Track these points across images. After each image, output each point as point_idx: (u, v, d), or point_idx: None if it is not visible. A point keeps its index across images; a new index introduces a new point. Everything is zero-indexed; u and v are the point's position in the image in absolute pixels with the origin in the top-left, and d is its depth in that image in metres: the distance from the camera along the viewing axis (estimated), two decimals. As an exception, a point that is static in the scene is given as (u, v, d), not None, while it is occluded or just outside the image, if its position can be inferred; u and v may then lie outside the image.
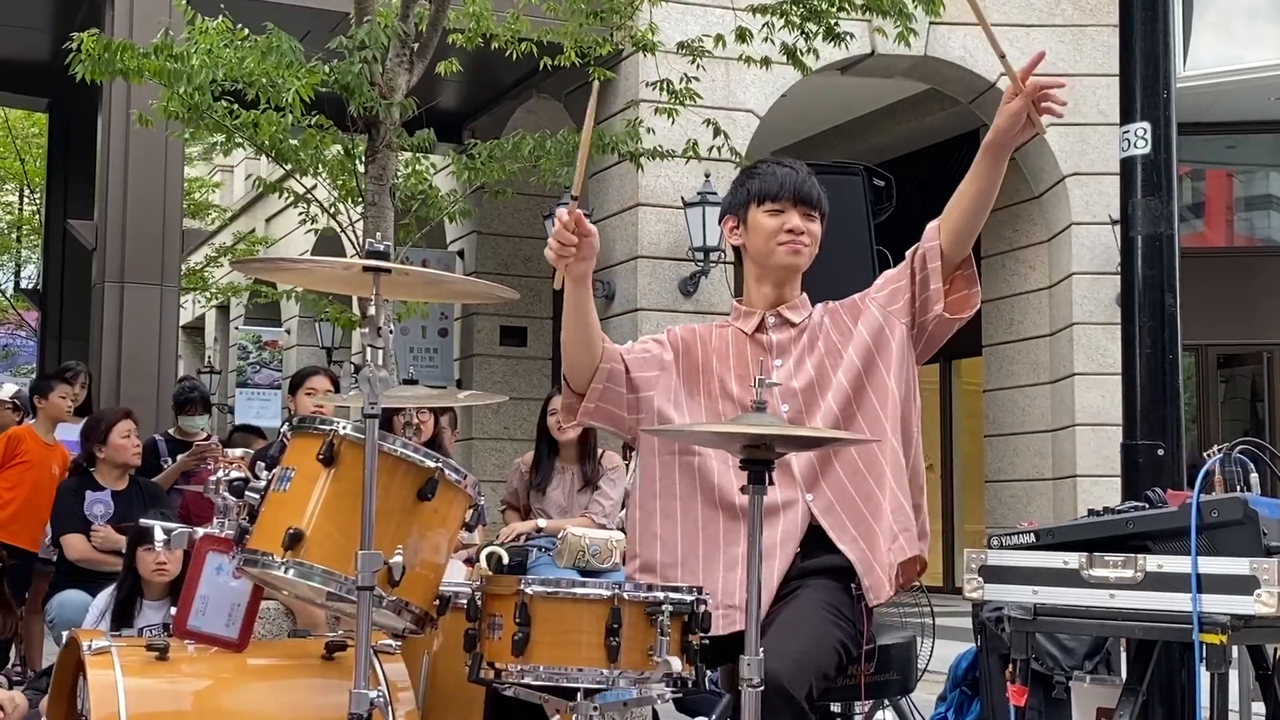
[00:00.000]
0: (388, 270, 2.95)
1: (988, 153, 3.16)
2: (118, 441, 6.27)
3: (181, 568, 4.93)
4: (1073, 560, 2.82)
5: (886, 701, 5.03)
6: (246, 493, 3.19)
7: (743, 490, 2.77)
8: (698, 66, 9.94)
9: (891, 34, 9.61)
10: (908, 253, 3.29)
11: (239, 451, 4.65)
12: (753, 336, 3.33)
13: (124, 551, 5.14)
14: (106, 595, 4.98)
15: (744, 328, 3.36)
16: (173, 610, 4.89)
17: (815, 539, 3.16)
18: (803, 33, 9.52)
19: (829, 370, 3.25)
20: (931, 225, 3.25)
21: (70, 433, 7.25)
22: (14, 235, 24.86)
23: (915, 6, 9.43)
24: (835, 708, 3.93)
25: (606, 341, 3.32)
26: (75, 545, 6.15)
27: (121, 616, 4.82)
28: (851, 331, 3.28)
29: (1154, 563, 2.72)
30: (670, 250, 12.24)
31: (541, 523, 6.28)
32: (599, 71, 9.84)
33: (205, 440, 7.29)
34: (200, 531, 3.46)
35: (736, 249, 3.44)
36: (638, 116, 10.35)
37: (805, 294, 3.40)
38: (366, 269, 2.94)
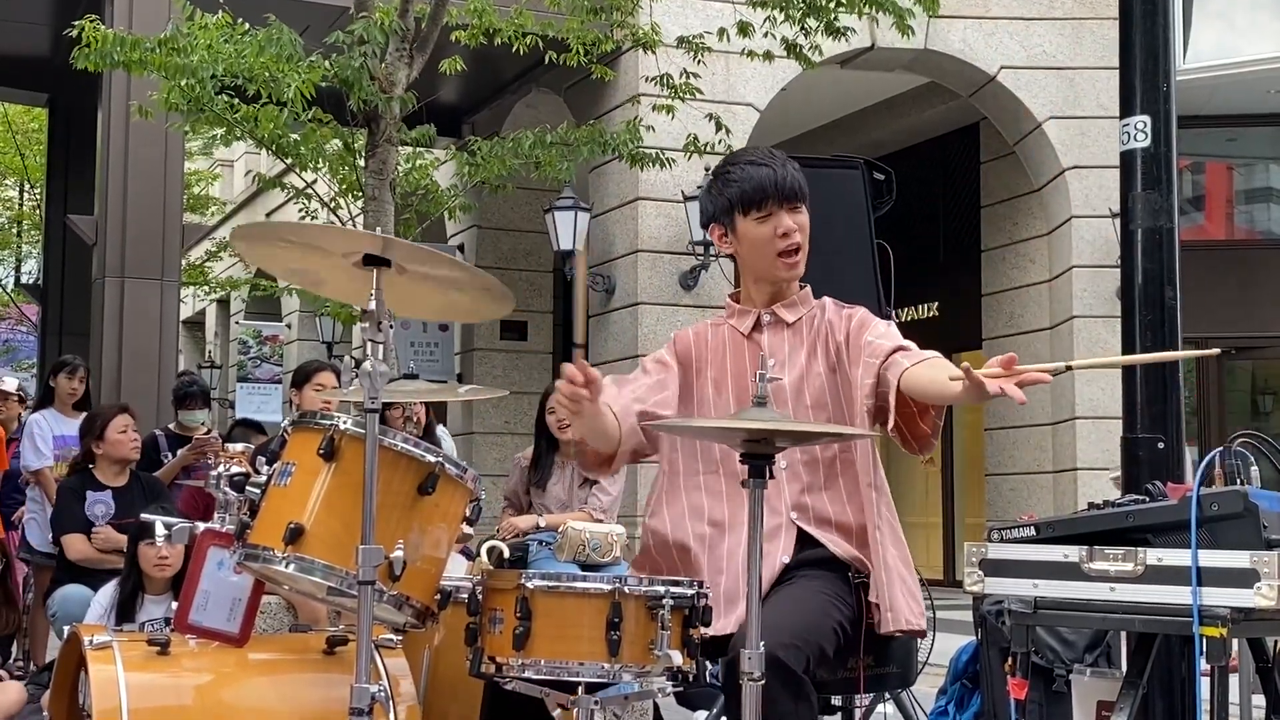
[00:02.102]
0: (388, 263, 2.95)
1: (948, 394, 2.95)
2: (114, 437, 6.26)
3: (183, 563, 4.94)
4: (1073, 553, 2.82)
5: (887, 695, 5.03)
6: (247, 488, 3.19)
7: (743, 484, 2.77)
8: (699, 62, 9.94)
9: (885, 26, 9.60)
10: (883, 351, 3.11)
11: (239, 446, 4.66)
12: (749, 337, 3.30)
13: (125, 548, 5.15)
14: (109, 590, 4.99)
15: (740, 327, 3.32)
16: (174, 605, 4.91)
17: (807, 543, 3.18)
18: (803, 28, 9.51)
19: (824, 392, 3.24)
20: (904, 360, 3.05)
21: (70, 428, 7.26)
22: (14, 230, 24.87)
23: (914, 3, 9.43)
24: (836, 701, 3.94)
25: (618, 407, 3.19)
26: (75, 546, 6.14)
27: (124, 612, 4.83)
28: (850, 381, 3.20)
29: (1154, 556, 2.72)
30: (670, 244, 12.24)
31: (542, 520, 6.29)
32: (600, 70, 9.84)
33: (205, 435, 7.29)
34: (201, 526, 3.46)
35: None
36: (638, 116, 10.36)
37: (807, 287, 3.35)
38: (368, 261, 2.94)
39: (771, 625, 2.79)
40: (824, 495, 3.20)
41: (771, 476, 2.76)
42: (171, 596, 4.99)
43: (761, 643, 2.70)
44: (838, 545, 3.15)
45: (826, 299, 3.35)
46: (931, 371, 2.96)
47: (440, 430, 8.41)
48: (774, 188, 3.19)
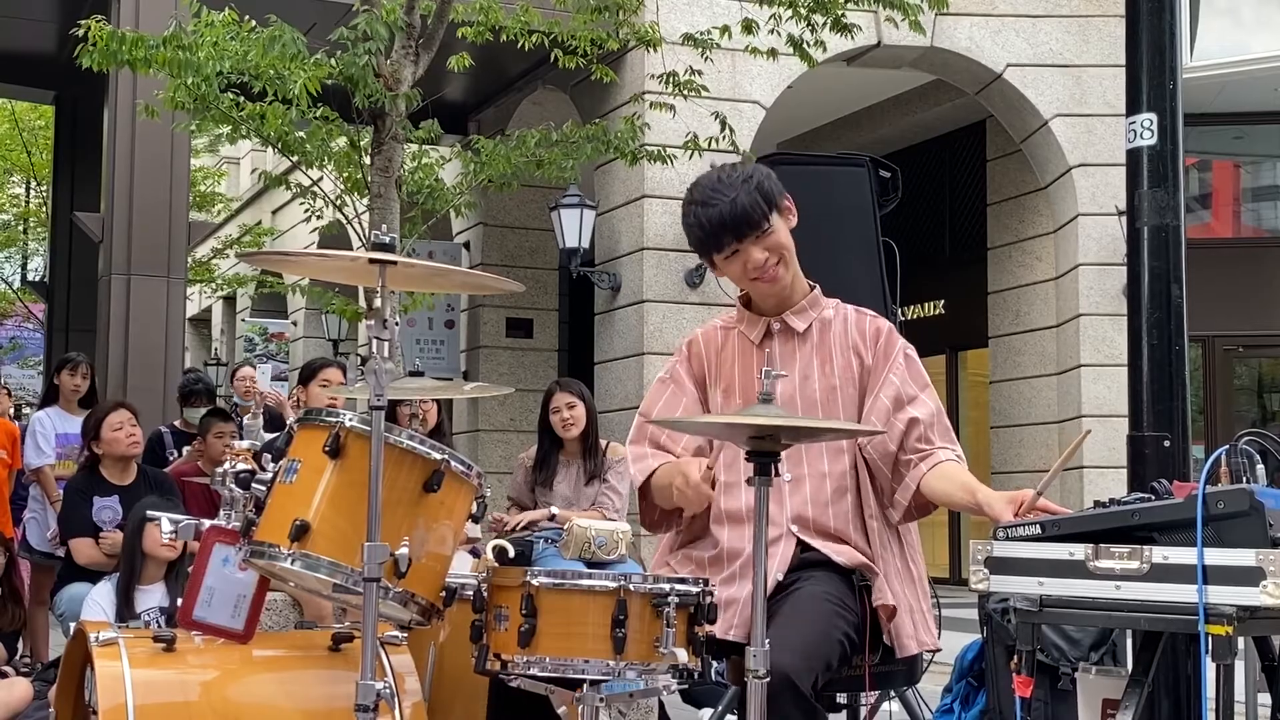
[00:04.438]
0: (393, 262, 2.95)
1: (967, 508, 3.15)
2: (109, 435, 6.26)
3: (183, 551, 4.97)
4: (1078, 551, 2.81)
5: (892, 693, 5.03)
6: (253, 484, 3.19)
7: (749, 482, 2.77)
8: (706, 58, 9.92)
9: (901, 24, 9.59)
10: (900, 422, 3.18)
11: (246, 443, 4.67)
12: (759, 346, 3.29)
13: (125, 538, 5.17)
14: (105, 588, 5.01)
15: (750, 335, 3.32)
16: (167, 594, 4.93)
17: (807, 553, 3.20)
18: (809, 24, 9.50)
19: (836, 404, 3.23)
20: (923, 465, 3.15)
21: (74, 425, 7.27)
22: (21, 228, 24.89)
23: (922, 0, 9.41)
24: (841, 698, 3.94)
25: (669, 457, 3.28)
26: (84, 550, 6.14)
27: (123, 602, 4.87)
28: (864, 404, 3.24)
29: (1160, 554, 2.72)
30: (676, 242, 12.23)
31: (555, 509, 6.29)
32: (601, 70, 9.82)
33: (198, 434, 7.32)
34: (207, 523, 3.47)
35: None
36: (637, 113, 10.34)
37: (816, 289, 3.34)
38: (372, 261, 2.94)
39: (779, 645, 2.79)
40: (828, 510, 3.20)
41: (777, 474, 2.77)
42: (164, 586, 5.02)
43: (768, 650, 2.71)
44: (840, 554, 3.15)
45: (847, 306, 3.34)
46: (946, 485, 3.12)
47: None
48: (727, 228, 3.14)
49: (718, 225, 3.14)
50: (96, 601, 4.97)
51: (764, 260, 3.16)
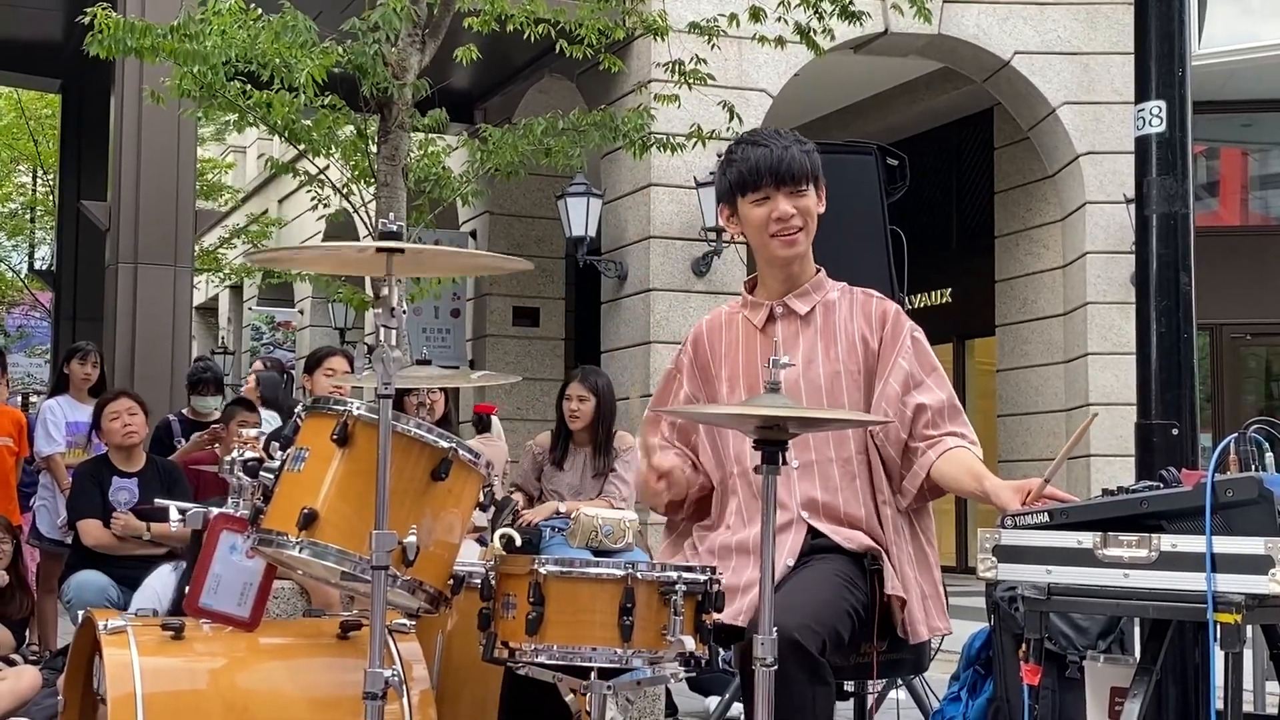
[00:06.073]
0: (401, 251, 2.94)
1: (974, 495, 3.17)
2: (106, 424, 6.32)
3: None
4: (1087, 540, 2.81)
5: (899, 681, 5.03)
6: (261, 473, 3.20)
7: (756, 470, 2.77)
8: (713, 46, 9.90)
9: (908, 11, 9.57)
10: (909, 407, 3.19)
11: (253, 432, 4.67)
12: (762, 330, 3.29)
13: (193, 533, 5.12)
14: (170, 573, 4.90)
15: (754, 319, 3.31)
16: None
17: (817, 539, 3.20)
18: (816, 12, 9.49)
19: (840, 389, 3.23)
20: (932, 452, 3.16)
21: (83, 414, 7.29)
22: (28, 216, 24.91)
23: None
24: (849, 686, 3.94)
25: (680, 463, 3.30)
26: (91, 532, 6.16)
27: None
28: (872, 388, 3.23)
29: (1168, 542, 2.71)
30: (683, 230, 12.23)
31: (562, 506, 6.32)
32: (609, 60, 9.81)
33: (218, 422, 7.32)
34: (215, 510, 3.47)
35: None
36: (642, 104, 10.33)
37: (821, 272, 3.33)
38: (380, 250, 2.94)
39: (786, 608, 2.79)
40: (838, 495, 3.19)
41: (785, 463, 2.76)
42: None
43: (775, 628, 2.71)
44: (850, 541, 3.15)
45: (854, 289, 3.33)
46: (955, 471, 3.12)
47: (497, 426, 8.71)
48: (769, 171, 3.16)
49: (761, 165, 3.17)
50: (152, 588, 4.84)
51: (790, 215, 3.18)
